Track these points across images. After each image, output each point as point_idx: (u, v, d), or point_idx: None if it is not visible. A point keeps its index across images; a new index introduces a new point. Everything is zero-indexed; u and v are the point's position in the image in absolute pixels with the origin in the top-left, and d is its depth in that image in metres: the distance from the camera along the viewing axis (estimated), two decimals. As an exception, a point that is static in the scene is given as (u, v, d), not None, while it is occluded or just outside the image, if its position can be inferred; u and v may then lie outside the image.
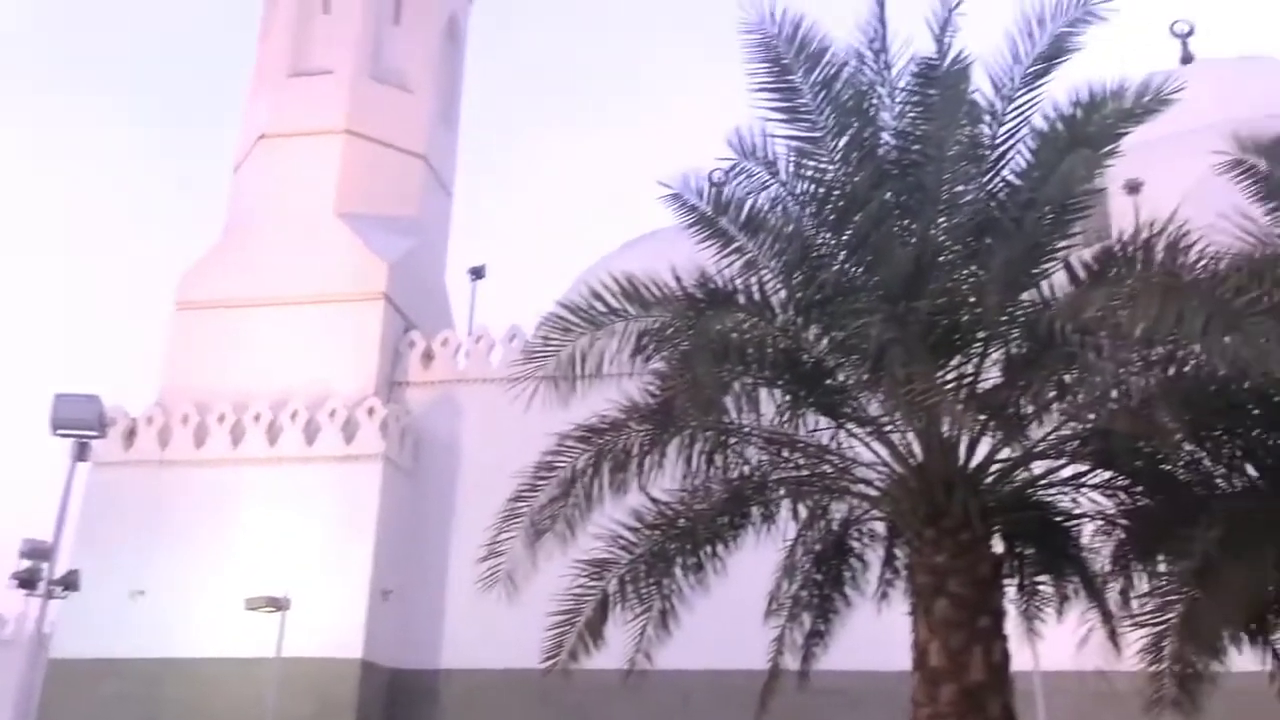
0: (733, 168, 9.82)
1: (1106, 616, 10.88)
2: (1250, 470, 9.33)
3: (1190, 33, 31.27)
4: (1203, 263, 7.74)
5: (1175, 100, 9.03)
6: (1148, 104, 8.99)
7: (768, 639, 11.74)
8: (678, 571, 10.78)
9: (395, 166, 28.90)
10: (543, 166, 76.56)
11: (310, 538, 23.35)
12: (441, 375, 26.65)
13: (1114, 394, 8.44)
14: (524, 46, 74.76)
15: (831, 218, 9.61)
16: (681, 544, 10.70)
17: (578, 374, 9.46)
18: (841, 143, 9.58)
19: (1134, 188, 21.81)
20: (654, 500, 10.44)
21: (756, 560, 11.03)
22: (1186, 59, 30.56)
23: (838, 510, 10.80)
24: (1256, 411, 8.84)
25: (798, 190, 9.79)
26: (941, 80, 9.48)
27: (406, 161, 29.23)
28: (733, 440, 10.08)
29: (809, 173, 9.69)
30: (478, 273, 29.49)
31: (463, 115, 32.51)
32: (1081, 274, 8.35)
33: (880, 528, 10.90)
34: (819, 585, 11.41)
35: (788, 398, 9.74)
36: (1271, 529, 8.67)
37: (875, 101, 9.68)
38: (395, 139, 29.06)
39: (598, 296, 9.48)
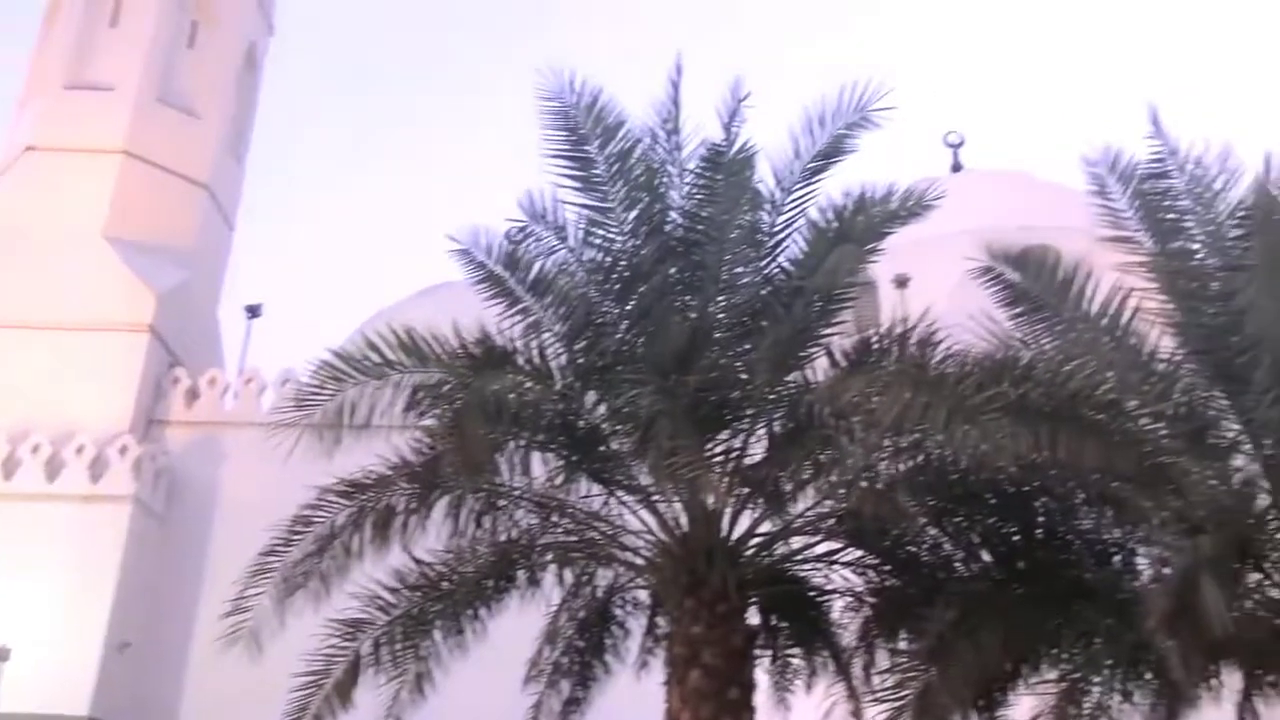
0: (523, 228, 9.88)
1: (851, 691, 11.28)
2: (985, 555, 9.94)
3: (961, 144, 33.72)
4: (949, 359, 8.29)
5: (935, 207, 9.73)
6: (910, 208, 9.65)
7: (525, 705, 11.59)
8: (437, 634, 10.54)
9: (175, 194, 27.44)
10: (333, 208, 74.53)
11: (43, 582, 21.48)
12: (205, 416, 25.24)
13: (864, 476, 8.89)
14: (319, 83, 73.01)
15: (616, 288, 9.79)
16: (443, 606, 10.48)
17: (346, 425, 9.17)
18: (630, 216, 9.81)
19: (902, 282, 23.18)
20: (417, 560, 10.21)
21: (518, 625, 10.91)
22: (957, 167, 32.91)
23: (603, 577, 10.84)
24: (992, 501, 9.43)
25: (585, 258, 9.93)
26: (728, 166, 9.88)
27: (188, 190, 27.82)
28: (502, 502, 10.00)
29: (597, 241, 9.87)
30: (254, 311, 28.15)
31: (252, 148, 31.39)
32: (841, 361, 8.79)
33: (644, 596, 11.00)
34: (580, 652, 11.38)
35: (561, 462, 9.75)
36: (1001, 612, 9.21)
37: (665, 180, 9.98)
38: (178, 165, 27.63)
39: (373, 347, 9.26)
